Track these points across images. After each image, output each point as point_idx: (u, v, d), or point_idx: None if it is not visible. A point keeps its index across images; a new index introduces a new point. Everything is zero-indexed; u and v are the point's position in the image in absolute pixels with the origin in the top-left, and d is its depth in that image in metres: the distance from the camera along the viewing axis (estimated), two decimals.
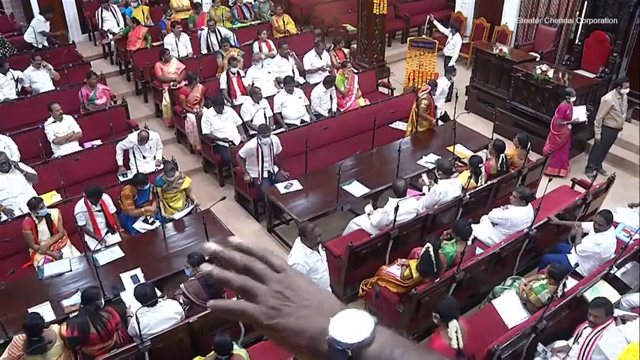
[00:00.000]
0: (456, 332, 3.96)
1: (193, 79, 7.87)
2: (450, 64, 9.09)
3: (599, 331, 4.15)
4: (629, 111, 7.43)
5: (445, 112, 8.29)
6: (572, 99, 7.19)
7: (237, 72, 8.23)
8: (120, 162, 6.87)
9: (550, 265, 4.81)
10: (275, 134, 7.13)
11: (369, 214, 5.79)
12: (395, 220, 5.28)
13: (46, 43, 9.73)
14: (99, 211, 5.73)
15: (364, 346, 0.71)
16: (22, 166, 6.08)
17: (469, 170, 6.15)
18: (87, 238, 5.72)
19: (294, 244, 4.72)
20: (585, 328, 4.25)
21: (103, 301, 4.51)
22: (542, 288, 4.73)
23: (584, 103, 7.74)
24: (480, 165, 6.18)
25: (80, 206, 5.67)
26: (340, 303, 0.80)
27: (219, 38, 9.44)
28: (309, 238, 4.51)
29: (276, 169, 6.68)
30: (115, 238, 5.79)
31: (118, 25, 10.28)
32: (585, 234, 5.42)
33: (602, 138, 7.32)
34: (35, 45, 9.53)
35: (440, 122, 8.08)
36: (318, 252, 4.60)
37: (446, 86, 8.20)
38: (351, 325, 0.72)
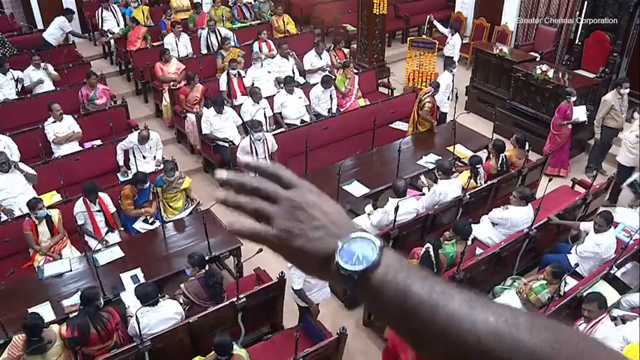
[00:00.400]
0: None
1: (192, 78, 7.87)
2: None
3: (593, 325, 4.17)
4: (629, 111, 7.42)
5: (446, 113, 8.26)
6: (573, 99, 7.19)
7: (238, 72, 8.23)
8: (121, 162, 6.88)
9: (551, 266, 4.81)
10: (275, 134, 7.15)
11: (369, 214, 5.79)
12: (395, 220, 5.28)
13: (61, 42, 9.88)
14: (98, 210, 5.73)
15: (369, 270, 0.72)
16: (22, 166, 6.08)
17: (469, 170, 6.16)
18: (87, 238, 5.72)
19: None
20: (580, 324, 4.27)
21: (102, 301, 4.51)
22: (542, 288, 4.74)
23: (584, 103, 7.74)
24: (477, 166, 6.18)
25: (79, 206, 5.67)
26: (350, 222, 0.80)
27: (219, 38, 9.44)
28: None
29: None
30: (115, 237, 5.79)
31: (118, 25, 10.28)
32: (586, 234, 5.43)
33: (602, 138, 7.32)
34: (55, 45, 9.59)
35: (448, 118, 8.05)
36: None
37: (449, 79, 8.19)
38: (358, 250, 0.74)
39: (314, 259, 0.77)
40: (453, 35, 9.31)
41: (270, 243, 0.79)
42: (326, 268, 0.76)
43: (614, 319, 4.49)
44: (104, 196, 5.79)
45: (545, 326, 0.68)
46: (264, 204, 0.79)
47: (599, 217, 5.21)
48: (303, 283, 4.56)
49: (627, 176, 6.61)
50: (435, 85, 7.56)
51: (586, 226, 5.52)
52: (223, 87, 8.22)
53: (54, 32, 9.69)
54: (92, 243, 5.61)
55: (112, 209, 5.87)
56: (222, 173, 0.82)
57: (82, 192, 5.72)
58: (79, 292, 4.58)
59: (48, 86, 8.24)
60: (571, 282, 5.01)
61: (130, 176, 6.42)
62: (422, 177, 6.36)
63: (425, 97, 7.37)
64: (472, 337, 0.66)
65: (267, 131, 7.19)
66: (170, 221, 5.93)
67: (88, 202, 5.67)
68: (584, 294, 4.61)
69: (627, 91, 7.10)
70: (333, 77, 8.28)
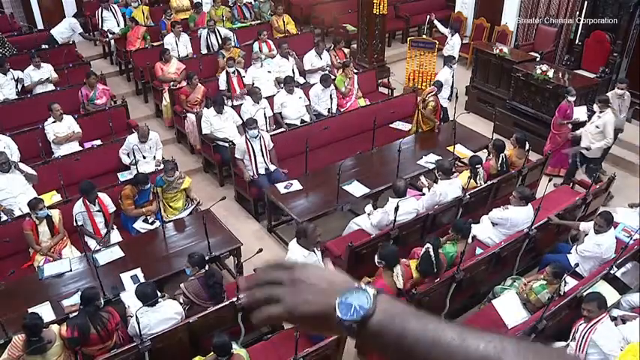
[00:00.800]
0: (397, 276, 4.49)
1: (191, 78, 7.86)
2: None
3: (592, 324, 4.17)
4: (629, 111, 7.42)
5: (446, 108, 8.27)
6: (572, 98, 7.19)
7: (237, 71, 8.24)
8: (127, 161, 6.80)
9: (551, 266, 4.81)
10: (275, 134, 7.15)
11: (369, 214, 5.79)
12: (395, 220, 5.28)
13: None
14: (98, 211, 5.73)
15: (366, 318, 0.81)
16: (22, 166, 6.08)
17: (469, 170, 6.16)
18: (87, 238, 5.72)
19: (289, 245, 4.70)
20: (581, 324, 4.28)
21: (102, 301, 4.51)
22: (542, 288, 4.73)
23: (584, 104, 7.73)
24: (477, 166, 6.18)
25: (79, 206, 5.66)
26: (346, 279, 0.90)
27: (219, 38, 9.45)
28: (309, 239, 4.50)
29: (272, 167, 6.69)
30: (115, 237, 5.79)
31: (118, 25, 10.28)
32: (585, 234, 5.43)
33: None
34: (61, 43, 9.68)
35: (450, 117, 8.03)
36: (315, 252, 4.60)
37: (448, 75, 8.18)
38: (354, 301, 0.82)
39: (320, 320, 0.86)
40: (452, 35, 9.31)
41: (285, 319, 0.90)
42: (332, 324, 0.84)
43: (614, 319, 4.48)
44: (104, 197, 5.78)
45: (532, 350, 0.73)
46: (271, 291, 0.91)
47: (599, 217, 5.21)
48: None
49: (588, 166, 6.87)
50: (439, 85, 7.58)
51: (586, 226, 5.52)
52: (223, 86, 8.22)
53: (64, 31, 9.77)
54: (92, 243, 5.61)
55: (112, 209, 5.87)
56: (242, 284, 0.98)
57: (79, 192, 5.70)
58: (79, 292, 4.58)
59: (48, 86, 8.25)
60: (571, 282, 5.01)
61: (129, 176, 6.42)
62: (422, 177, 6.36)
63: (428, 97, 7.39)
64: None
65: (267, 131, 7.20)
66: (170, 221, 5.93)
67: (88, 202, 5.66)
68: (584, 294, 4.61)
69: (622, 92, 7.08)
70: (333, 77, 8.28)
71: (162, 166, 6.40)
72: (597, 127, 6.72)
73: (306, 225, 4.73)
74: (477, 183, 6.19)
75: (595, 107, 6.89)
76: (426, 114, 7.39)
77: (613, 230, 5.28)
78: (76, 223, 5.40)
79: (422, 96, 7.53)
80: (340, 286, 0.87)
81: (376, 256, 4.67)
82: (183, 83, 8.26)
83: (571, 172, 7.11)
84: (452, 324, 0.79)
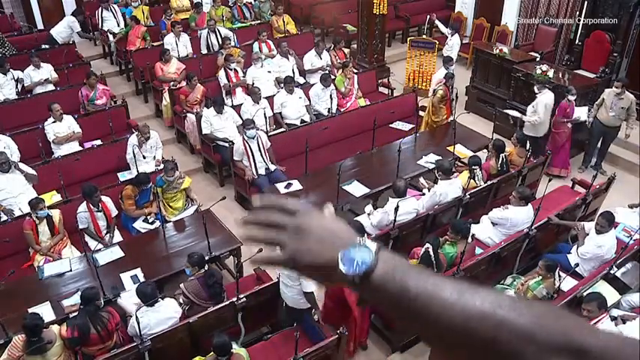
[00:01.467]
0: None
1: (191, 78, 7.87)
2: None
3: (592, 325, 4.17)
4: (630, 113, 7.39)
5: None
6: (573, 97, 7.19)
7: (235, 69, 8.23)
8: (131, 156, 6.71)
9: (543, 260, 4.83)
10: (275, 134, 7.15)
11: (369, 214, 5.79)
12: (395, 220, 5.28)
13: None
14: (99, 211, 5.72)
15: (367, 272, 0.83)
16: (22, 166, 6.08)
17: (469, 170, 6.16)
18: (87, 238, 5.72)
19: None
20: None
21: (102, 301, 4.51)
22: (538, 284, 4.75)
23: (584, 104, 7.73)
24: (474, 167, 6.18)
25: (82, 208, 5.66)
26: (350, 232, 0.92)
27: (219, 38, 9.45)
28: None
29: (272, 166, 6.68)
30: (115, 237, 5.79)
31: (118, 25, 10.29)
32: (586, 234, 5.43)
33: (592, 127, 7.37)
34: (61, 43, 9.68)
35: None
36: None
37: (448, 73, 8.24)
38: (357, 256, 0.85)
39: (322, 270, 0.88)
40: (452, 36, 9.32)
41: (284, 264, 0.93)
42: (334, 276, 0.86)
43: (614, 319, 4.48)
44: (107, 200, 5.78)
45: (527, 305, 0.76)
46: (274, 234, 0.92)
47: (601, 217, 5.21)
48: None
49: (535, 146, 6.99)
50: (449, 76, 7.69)
51: (586, 226, 5.52)
52: (225, 80, 8.23)
53: (62, 30, 9.75)
54: (92, 243, 5.61)
55: (114, 212, 5.87)
56: (242, 219, 0.98)
57: (81, 195, 5.70)
58: (79, 292, 4.58)
59: (48, 86, 8.25)
60: (571, 282, 5.01)
61: (129, 176, 6.41)
62: (421, 179, 6.37)
63: (438, 86, 7.53)
64: (462, 320, 0.75)
65: (267, 131, 7.20)
66: (170, 221, 5.93)
67: (91, 206, 5.65)
68: (584, 294, 4.61)
69: (618, 90, 7.07)
70: (333, 77, 8.28)
71: (162, 166, 6.40)
72: (532, 106, 7.13)
73: None
74: (476, 183, 6.19)
75: (535, 89, 7.24)
76: (435, 102, 7.50)
77: (614, 231, 5.29)
78: (78, 224, 5.39)
79: (432, 86, 7.70)
80: (343, 239, 0.89)
81: None
82: (183, 83, 8.26)
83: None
84: (452, 280, 0.81)
